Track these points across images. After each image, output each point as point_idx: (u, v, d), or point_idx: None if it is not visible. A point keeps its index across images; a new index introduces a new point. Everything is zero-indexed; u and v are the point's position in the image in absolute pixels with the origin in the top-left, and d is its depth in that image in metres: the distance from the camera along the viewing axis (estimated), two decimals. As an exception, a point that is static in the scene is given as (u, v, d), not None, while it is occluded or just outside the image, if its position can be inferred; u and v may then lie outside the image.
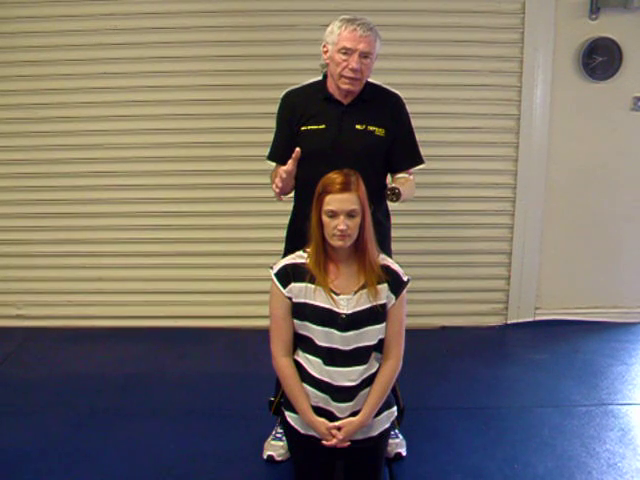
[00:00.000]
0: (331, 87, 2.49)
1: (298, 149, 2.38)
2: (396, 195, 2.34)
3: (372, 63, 2.44)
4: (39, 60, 3.79)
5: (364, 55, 2.38)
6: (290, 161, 2.37)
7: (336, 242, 2.05)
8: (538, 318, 4.12)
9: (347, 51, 2.37)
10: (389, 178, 2.62)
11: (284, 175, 2.36)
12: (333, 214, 2.04)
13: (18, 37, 3.77)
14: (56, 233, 3.98)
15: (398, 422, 2.60)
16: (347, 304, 2.09)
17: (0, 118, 3.87)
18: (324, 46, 2.46)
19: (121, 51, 3.78)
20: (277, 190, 2.40)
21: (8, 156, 3.91)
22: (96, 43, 3.76)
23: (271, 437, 2.74)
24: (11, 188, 3.95)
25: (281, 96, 2.59)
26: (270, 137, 2.63)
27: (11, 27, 3.76)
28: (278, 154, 2.57)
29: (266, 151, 2.64)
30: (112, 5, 3.73)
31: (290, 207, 2.65)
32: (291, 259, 2.18)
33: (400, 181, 2.52)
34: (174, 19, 3.76)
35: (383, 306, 2.12)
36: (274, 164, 2.60)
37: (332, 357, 2.10)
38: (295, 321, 2.13)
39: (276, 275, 2.15)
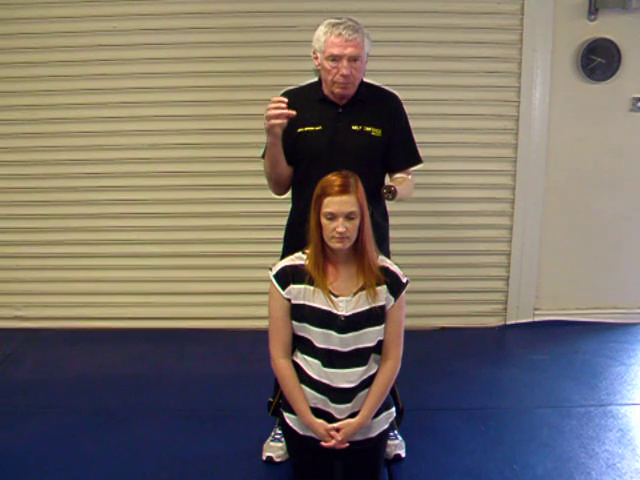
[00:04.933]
0: (326, 90, 2.48)
1: (294, 112, 2.29)
2: (392, 193, 2.33)
3: (363, 64, 2.43)
4: (36, 61, 3.79)
5: (353, 59, 2.36)
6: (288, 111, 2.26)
7: (335, 244, 2.05)
8: (537, 319, 4.12)
9: (335, 58, 2.35)
10: (387, 178, 2.62)
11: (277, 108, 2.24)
12: (332, 216, 2.04)
13: (16, 38, 3.77)
14: (55, 234, 3.98)
15: (397, 423, 2.60)
16: (346, 306, 2.09)
17: (2, 119, 3.87)
18: (313, 52, 2.45)
19: (119, 52, 3.78)
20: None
21: (6, 157, 3.91)
22: (92, 44, 3.76)
23: (270, 438, 2.74)
24: (9, 189, 3.95)
25: (278, 95, 2.59)
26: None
27: (9, 28, 3.77)
28: None
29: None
30: (108, 7, 3.73)
31: (288, 208, 2.65)
32: (290, 260, 2.18)
33: (397, 180, 2.52)
34: (172, 20, 3.76)
35: (382, 308, 2.12)
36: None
37: (331, 359, 2.10)
38: (294, 323, 2.13)
39: (275, 276, 2.15)
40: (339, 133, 2.45)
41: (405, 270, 2.22)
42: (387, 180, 2.62)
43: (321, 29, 2.41)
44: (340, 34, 2.34)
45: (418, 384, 3.19)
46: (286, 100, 2.26)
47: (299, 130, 2.46)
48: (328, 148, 2.43)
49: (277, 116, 2.25)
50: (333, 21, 2.40)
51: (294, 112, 2.28)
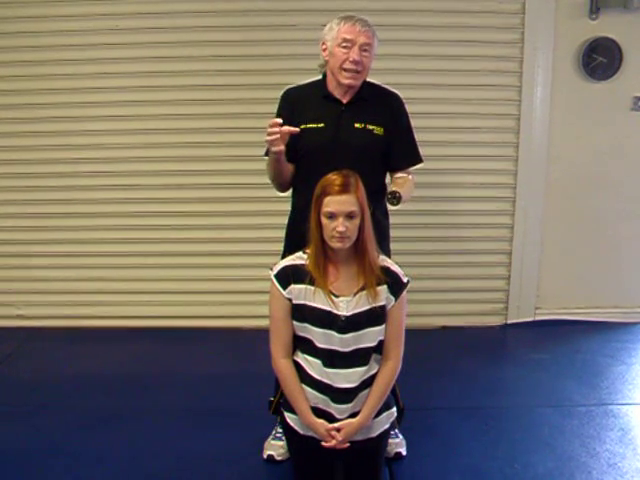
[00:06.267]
0: (330, 86, 2.50)
1: (298, 129, 2.34)
2: (397, 199, 2.36)
3: (371, 58, 2.45)
4: (36, 60, 3.80)
5: (364, 48, 2.40)
6: (287, 128, 2.29)
7: (335, 244, 2.05)
8: (538, 318, 4.12)
9: (347, 43, 2.38)
10: (388, 177, 2.63)
11: (273, 134, 2.26)
12: (332, 216, 2.03)
13: (16, 37, 3.77)
14: (56, 233, 3.99)
15: (398, 422, 2.60)
16: (346, 306, 2.09)
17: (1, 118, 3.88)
18: (322, 44, 2.47)
19: (119, 51, 3.78)
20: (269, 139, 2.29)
21: (8, 156, 3.92)
22: (94, 43, 3.77)
23: (271, 437, 2.74)
24: (11, 188, 3.96)
25: (281, 94, 2.60)
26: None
27: (9, 27, 3.77)
28: None
29: (265, 151, 2.64)
30: (110, 5, 3.73)
31: (289, 207, 2.65)
32: (291, 260, 2.17)
33: (399, 181, 2.53)
34: (173, 19, 3.76)
35: (382, 308, 2.12)
36: None
37: (331, 359, 2.10)
38: (294, 323, 2.13)
39: (276, 276, 2.14)
40: (342, 130, 2.46)
41: (406, 269, 2.21)
42: (388, 178, 2.62)
43: (334, 21, 2.45)
44: (354, 24, 2.40)
45: (419, 383, 3.19)
46: (280, 121, 2.29)
47: (302, 127, 2.46)
48: (330, 145, 2.44)
49: (273, 142, 2.29)
50: (346, 15, 2.44)
51: (296, 129, 2.32)
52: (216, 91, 3.84)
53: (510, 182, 3.96)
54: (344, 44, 2.39)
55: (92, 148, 3.88)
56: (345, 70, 2.41)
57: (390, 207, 2.48)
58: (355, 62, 2.39)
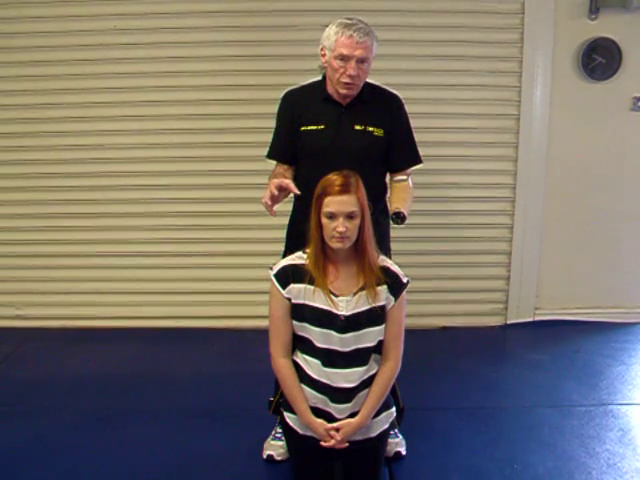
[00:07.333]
0: (330, 89, 2.50)
1: (297, 191, 2.31)
2: (401, 219, 2.38)
3: (369, 66, 2.45)
4: (46, 60, 3.80)
5: (361, 61, 2.38)
6: (287, 183, 2.30)
7: (335, 244, 2.05)
8: (538, 318, 4.12)
9: (344, 58, 2.37)
10: (388, 178, 2.63)
11: (275, 192, 2.28)
12: (332, 216, 2.03)
13: (24, 37, 3.78)
14: (55, 233, 3.98)
15: (398, 422, 2.60)
16: (346, 306, 2.09)
17: (4, 118, 3.87)
18: (322, 49, 2.46)
19: (127, 51, 3.79)
20: (268, 203, 2.30)
21: (8, 156, 3.92)
22: (102, 43, 3.77)
23: (271, 437, 2.74)
24: (11, 189, 3.95)
25: (281, 95, 2.60)
26: (271, 137, 2.63)
27: (16, 27, 3.77)
28: (278, 152, 2.59)
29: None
30: (116, 5, 3.73)
31: (290, 207, 2.65)
32: (291, 260, 2.17)
33: (398, 191, 2.54)
34: (177, 19, 3.76)
35: (382, 308, 2.12)
36: (274, 162, 2.60)
37: (330, 358, 2.10)
38: (294, 322, 2.13)
39: (275, 276, 2.14)
40: (342, 132, 2.47)
41: (406, 269, 2.21)
42: (388, 179, 2.63)
43: (332, 28, 2.41)
44: (351, 36, 2.36)
45: (419, 383, 3.18)
46: (273, 194, 2.27)
47: (302, 129, 2.48)
48: (330, 147, 2.44)
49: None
50: (345, 21, 2.40)
51: (296, 191, 2.30)
52: (216, 91, 3.84)
53: (510, 182, 3.96)
54: (341, 57, 2.38)
55: (91, 149, 3.88)
56: (341, 82, 2.41)
57: (390, 202, 2.49)
58: (351, 77, 2.39)
